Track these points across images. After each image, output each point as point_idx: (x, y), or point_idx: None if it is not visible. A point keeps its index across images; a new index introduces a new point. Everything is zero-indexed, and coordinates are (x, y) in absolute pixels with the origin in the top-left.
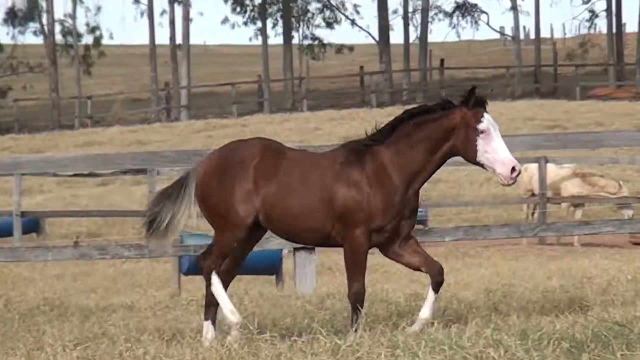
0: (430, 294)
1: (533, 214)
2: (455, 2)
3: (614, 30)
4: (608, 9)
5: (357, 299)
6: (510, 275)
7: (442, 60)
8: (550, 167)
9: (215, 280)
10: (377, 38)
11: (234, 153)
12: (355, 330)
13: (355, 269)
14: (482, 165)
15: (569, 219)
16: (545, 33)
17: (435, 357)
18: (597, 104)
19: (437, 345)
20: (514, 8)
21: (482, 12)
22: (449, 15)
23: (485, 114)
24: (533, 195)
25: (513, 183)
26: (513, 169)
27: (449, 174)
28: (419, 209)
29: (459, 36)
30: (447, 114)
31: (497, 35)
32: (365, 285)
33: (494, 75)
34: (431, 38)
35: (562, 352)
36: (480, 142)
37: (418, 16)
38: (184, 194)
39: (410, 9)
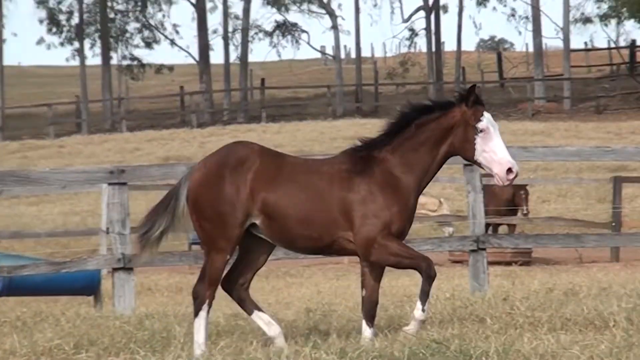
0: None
1: None
2: (276, 22)
3: (434, 49)
4: (427, 28)
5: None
6: (331, 294)
7: (262, 80)
8: None
9: (204, 314)
10: (197, 58)
11: (229, 158)
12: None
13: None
14: (479, 165)
15: None
16: (366, 52)
17: None
18: None
19: None
20: (335, 27)
21: (303, 31)
22: (269, 34)
23: (485, 113)
24: None
25: (509, 184)
26: (510, 170)
27: None
28: None
29: (279, 55)
30: (447, 112)
31: (318, 55)
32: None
33: (315, 95)
34: (252, 58)
35: None
36: (479, 141)
37: (238, 36)
38: (175, 205)
39: (230, 29)
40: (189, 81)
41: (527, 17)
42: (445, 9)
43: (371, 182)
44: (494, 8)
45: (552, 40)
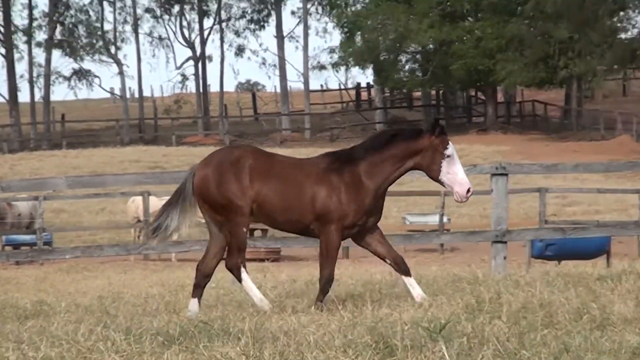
0: (407, 280)
1: (139, 236)
2: (73, 69)
3: (201, 90)
4: (196, 74)
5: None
6: (120, 285)
7: (63, 115)
8: (153, 199)
9: (245, 275)
10: (7, 97)
11: (228, 157)
12: (321, 309)
13: (328, 259)
14: (441, 183)
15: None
16: (147, 92)
17: (54, 350)
18: (189, 149)
19: (57, 340)
20: (121, 73)
21: (95, 76)
22: (68, 79)
23: (449, 142)
24: (139, 221)
25: (466, 201)
26: (468, 190)
27: (70, 205)
28: (45, 233)
29: (76, 95)
30: (417, 138)
31: (108, 95)
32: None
33: (106, 127)
34: (54, 97)
35: (158, 345)
36: (445, 165)
37: (42, 80)
38: (183, 201)
39: (35, 74)
40: (0, 116)
41: (275, 65)
42: (210, 58)
43: (340, 180)
44: (249, 58)
45: (295, 83)
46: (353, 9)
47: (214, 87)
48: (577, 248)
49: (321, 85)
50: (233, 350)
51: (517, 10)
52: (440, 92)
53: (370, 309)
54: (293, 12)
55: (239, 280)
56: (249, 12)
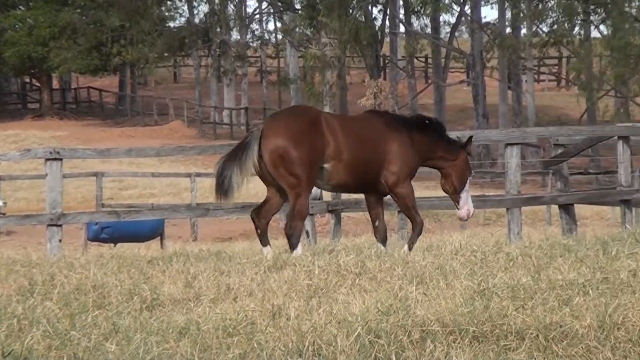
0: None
1: None
2: None
3: None
4: None
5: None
6: None
7: None
8: None
9: (300, 246)
10: None
11: (305, 117)
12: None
13: (412, 208)
14: (454, 196)
15: None
16: None
17: None
18: None
19: None
20: None
21: None
22: None
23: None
24: None
25: (466, 220)
26: (469, 215)
27: None
28: None
29: None
30: (457, 149)
31: None
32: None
33: None
34: None
35: None
36: (467, 183)
37: None
38: (247, 156)
39: None
40: None
41: None
42: None
43: (402, 140)
44: None
45: None
46: None
47: None
48: (132, 231)
49: None
50: None
51: (69, 0)
52: None
53: None
54: None
55: (292, 248)
56: None
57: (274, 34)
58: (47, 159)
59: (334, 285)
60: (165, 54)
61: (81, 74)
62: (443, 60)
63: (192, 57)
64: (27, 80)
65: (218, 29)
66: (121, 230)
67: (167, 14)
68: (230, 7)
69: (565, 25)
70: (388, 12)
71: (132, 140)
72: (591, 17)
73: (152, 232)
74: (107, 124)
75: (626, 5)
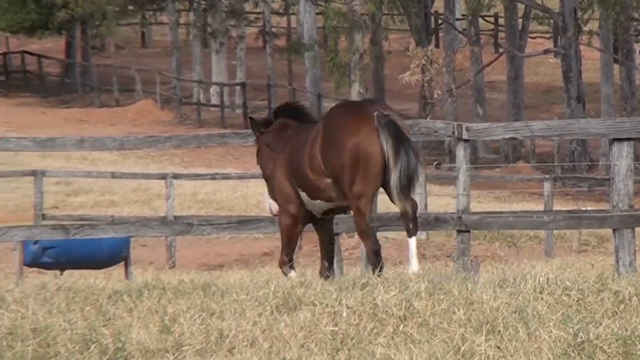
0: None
1: None
2: None
3: None
4: None
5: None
6: None
7: None
8: None
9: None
10: None
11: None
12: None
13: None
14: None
15: None
16: None
17: None
18: None
19: None
20: None
21: None
22: None
23: None
24: None
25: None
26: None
27: None
28: None
29: None
30: None
31: None
32: None
33: None
34: None
35: None
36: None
37: None
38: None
39: None
40: None
41: None
42: None
43: None
44: None
45: None
46: None
47: None
48: (86, 253)
49: None
50: None
51: None
52: None
53: None
54: None
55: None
56: None
57: None
58: None
59: (368, 333)
60: (130, 7)
61: (12, 33)
62: (520, 21)
63: (167, 11)
64: None
65: None
66: (70, 251)
67: None
68: None
69: None
70: None
71: (84, 127)
72: None
73: (112, 255)
74: (50, 104)
75: None
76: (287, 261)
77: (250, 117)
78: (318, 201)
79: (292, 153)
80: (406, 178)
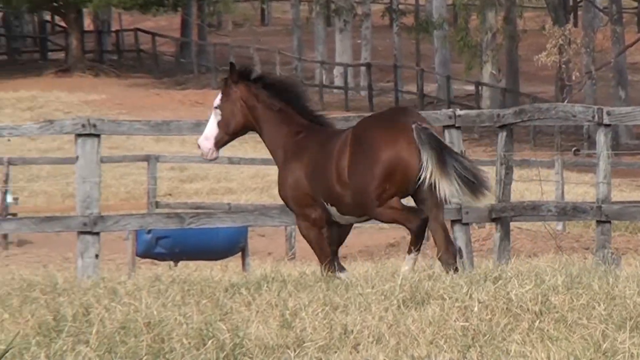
0: None
1: None
2: None
3: None
4: None
5: None
6: None
7: None
8: None
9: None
10: None
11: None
12: None
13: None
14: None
15: None
16: None
17: None
18: None
19: None
20: None
21: None
22: None
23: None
24: None
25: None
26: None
27: None
28: None
29: None
30: None
31: None
32: None
33: None
34: None
35: None
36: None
37: None
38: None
39: None
40: None
41: None
42: None
43: None
44: None
45: None
46: None
47: None
48: (201, 243)
49: None
50: None
51: None
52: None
53: None
54: None
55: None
56: None
57: None
58: (78, 135)
59: (502, 330)
60: None
61: (125, 10)
62: None
63: None
64: (48, 18)
65: None
66: (185, 242)
67: None
68: None
69: None
70: None
71: (200, 110)
72: None
73: (229, 245)
74: (164, 84)
75: None
76: (330, 268)
77: (232, 63)
78: (348, 217)
79: (316, 166)
80: (470, 175)
